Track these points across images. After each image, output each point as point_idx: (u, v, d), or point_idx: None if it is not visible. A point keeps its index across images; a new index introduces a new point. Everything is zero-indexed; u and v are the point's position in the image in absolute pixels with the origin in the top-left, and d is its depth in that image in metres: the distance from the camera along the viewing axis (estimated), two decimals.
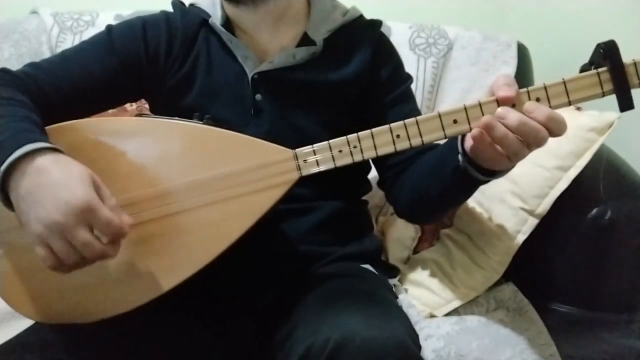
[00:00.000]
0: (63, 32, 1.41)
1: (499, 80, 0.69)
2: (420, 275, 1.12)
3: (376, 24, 0.99)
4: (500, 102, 0.68)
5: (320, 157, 0.73)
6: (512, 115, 0.66)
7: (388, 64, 0.97)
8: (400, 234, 1.20)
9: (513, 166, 0.74)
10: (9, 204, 0.70)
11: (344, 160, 0.73)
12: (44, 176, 0.67)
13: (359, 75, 0.93)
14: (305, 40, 0.93)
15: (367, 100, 0.94)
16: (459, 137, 0.76)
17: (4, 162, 0.67)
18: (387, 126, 0.72)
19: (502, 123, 0.67)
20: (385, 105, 0.93)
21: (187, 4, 0.98)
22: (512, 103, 0.68)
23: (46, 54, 1.37)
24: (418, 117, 0.71)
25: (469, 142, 0.73)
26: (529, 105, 0.67)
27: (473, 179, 0.76)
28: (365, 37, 0.95)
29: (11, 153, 0.67)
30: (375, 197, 1.05)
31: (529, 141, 0.67)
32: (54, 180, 0.66)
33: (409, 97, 0.98)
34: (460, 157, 0.76)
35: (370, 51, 0.95)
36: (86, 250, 0.66)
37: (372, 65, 0.94)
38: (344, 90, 0.94)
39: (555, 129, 0.67)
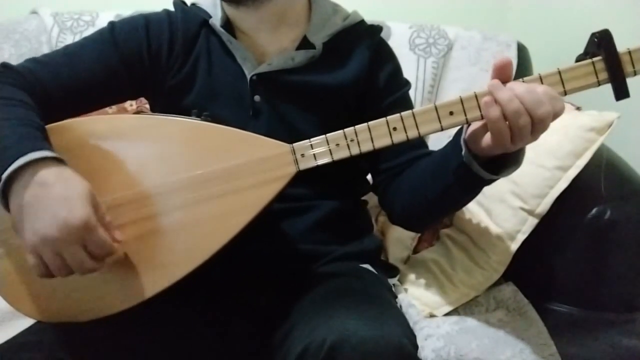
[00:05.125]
0: (63, 32, 1.41)
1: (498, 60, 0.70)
2: (420, 275, 1.12)
3: (376, 29, 0.99)
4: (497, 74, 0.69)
5: (318, 151, 0.74)
6: (519, 85, 0.67)
7: (386, 69, 0.96)
8: (400, 234, 1.20)
9: (518, 165, 0.74)
10: (7, 207, 0.71)
11: (341, 154, 0.73)
12: (46, 190, 0.67)
13: (357, 79, 0.93)
14: (304, 43, 0.93)
15: (365, 104, 0.94)
16: (463, 134, 0.76)
17: (8, 167, 0.68)
18: (383, 119, 0.72)
19: (510, 89, 0.67)
20: (382, 109, 0.93)
21: (188, 3, 0.98)
22: None
23: None
24: (415, 110, 0.72)
25: (470, 130, 0.73)
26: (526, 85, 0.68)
27: (476, 177, 0.76)
28: (364, 42, 0.95)
29: (15, 159, 0.68)
30: (375, 197, 1.05)
31: (532, 114, 0.66)
32: (55, 196, 0.67)
33: (407, 102, 0.98)
34: (463, 152, 0.76)
35: (369, 56, 0.95)
36: (76, 266, 0.68)
37: (370, 70, 0.94)
38: (342, 94, 0.94)
39: (556, 107, 0.67)
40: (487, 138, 0.71)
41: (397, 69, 1.00)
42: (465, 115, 0.70)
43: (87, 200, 0.68)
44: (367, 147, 0.73)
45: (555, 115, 0.68)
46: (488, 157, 0.74)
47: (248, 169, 0.75)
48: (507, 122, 0.67)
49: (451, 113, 0.70)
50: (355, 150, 0.73)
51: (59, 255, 0.67)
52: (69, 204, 0.66)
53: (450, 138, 0.82)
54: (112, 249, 0.69)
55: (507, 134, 0.68)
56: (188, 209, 0.75)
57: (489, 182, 0.78)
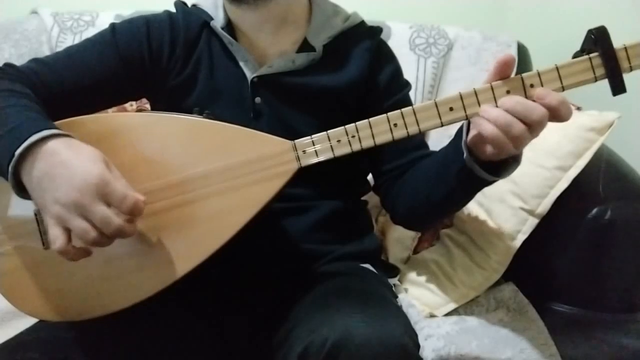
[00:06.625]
0: (63, 32, 1.42)
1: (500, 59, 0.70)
2: (420, 275, 1.12)
3: (376, 30, 0.99)
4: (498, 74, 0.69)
5: (319, 147, 0.74)
6: (508, 99, 0.68)
7: (386, 71, 0.97)
8: (400, 234, 1.20)
9: (518, 163, 0.74)
10: (21, 191, 0.71)
11: (343, 150, 0.73)
12: (57, 157, 0.68)
13: (357, 81, 0.94)
14: (305, 45, 0.93)
15: (365, 106, 0.94)
16: (463, 138, 0.76)
17: (20, 145, 0.68)
18: (384, 115, 0.72)
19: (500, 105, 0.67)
20: (383, 111, 0.93)
21: (189, 4, 0.98)
22: (506, 90, 0.69)
23: (46, 54, 1.37)
24: (415, 106, 0.72)
25: (470, 136, 0.73)
26: (540, 91, 0.67)
27: (479, 179, 0.76)
28: (364, 43, 0.95)
29: (26, 138, 0.68)
30: (375, 197, 1.06)
31: (527, 121, 0.67)
32: (67, 160, 0.67)
33: (407, 103, 0.98)
34: (465, 155, 0.76)
35: (369, 58, 0.95)
36: (105, 226, 0.66)
37: (370, 72, 0.95)
38: (343, 96, 0.94)
39: (565, 112, 0.67)
40: (490, 147, 0.71)
41: (398, 71, 1.00)
42: (465, 111, 0.71)
43: (99, 159, 0.68)
44: (368, 143, 0.73)
45: (552, 108, 0.68)
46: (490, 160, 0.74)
47: (249, 166, 0.75)
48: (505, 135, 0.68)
49: (451, 109, 0.71)
50: (356, 146, 0.73)
51: (85, 219, 0.66)
52: (82, 164, 0.67)
53: (451, 138, 0.82)
54: (136, 203, 0.67)
55: (507, 143, 0.68)
56: (191, 206, 0.75)
57: (491, 183, 0.78)
